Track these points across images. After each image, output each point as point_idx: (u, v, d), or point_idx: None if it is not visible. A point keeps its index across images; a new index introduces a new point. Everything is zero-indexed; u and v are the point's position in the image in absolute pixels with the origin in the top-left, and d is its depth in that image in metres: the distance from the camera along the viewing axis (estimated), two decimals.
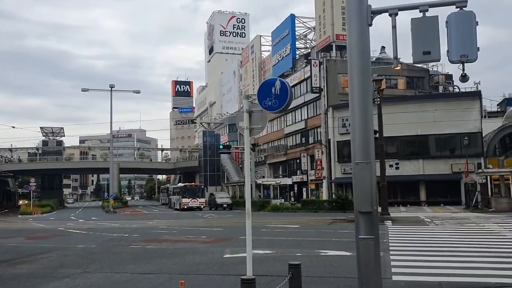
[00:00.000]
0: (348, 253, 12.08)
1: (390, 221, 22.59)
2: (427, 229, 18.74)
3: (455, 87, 49.87)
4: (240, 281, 5.53)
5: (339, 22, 47.42)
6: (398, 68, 40.37)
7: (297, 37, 58.04)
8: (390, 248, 12.73)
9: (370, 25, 6.36)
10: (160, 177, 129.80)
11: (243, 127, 6.59)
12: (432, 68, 51.40)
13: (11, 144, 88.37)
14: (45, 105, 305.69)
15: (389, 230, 17.73)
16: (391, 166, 35.29)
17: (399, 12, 6.35)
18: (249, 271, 6.14)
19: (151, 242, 16.70)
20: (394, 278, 8.77)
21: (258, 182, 52.84)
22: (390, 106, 36.22)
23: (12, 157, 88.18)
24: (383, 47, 50.05)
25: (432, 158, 40.20)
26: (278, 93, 6.32)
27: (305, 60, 51.21)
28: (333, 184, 43.33)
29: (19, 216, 46.22)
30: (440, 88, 50.28)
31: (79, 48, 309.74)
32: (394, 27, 6.38)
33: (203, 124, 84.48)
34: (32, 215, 46.02)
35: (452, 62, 6.20)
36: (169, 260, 11.87)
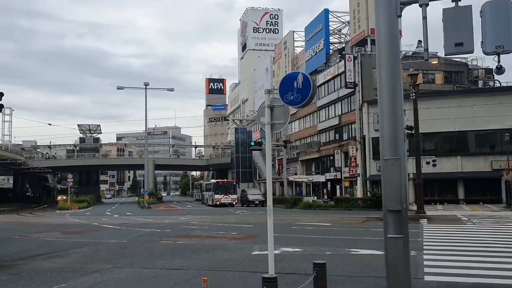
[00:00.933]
0: (380, 252, 11.77)
1: (425, 220, 22.01)
2: (463, 228, 18.13)
3: (496, 81, 48.11)
4: (262, 280, 5.41)
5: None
6: (435, 62, 39.45)
7: (331, 32, 57.30)
8: (424, 247, 12.38)
9: (399, 16, 6.12)
10: (194, 173, 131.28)
11: (264, 123, 6.43)
12: (472, 63, 49.76)
13: (50, 141, 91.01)
14: (83, 103, 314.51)
15: (424, 229, 17.28)
16: (427, 163, 34.27)
17: (430, 3, 6.06)
18: (271, 270, 6.01)
19: (182, 237, 16.83)
20: (426, 278, 8.51)
21: (290, 179, 52.59)
22: (427, 102, 35.29)
23: (54, 153, 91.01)
24: (419, 41, 48.70)
25: (471, 155, 38.95)
26: (300, 87, 6.11)
27: (339, 55, 50.47)
28: (367, 181, 42.59)
29: (57, 211, 47.66)
30: (480, 83, 48.60)
31: (116, 47, 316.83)
32: (424, 18, 6.11)
33: (235, 121, 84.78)
34: (69, 210, 47.36)
35: (486, 53, 5.89)
36: (198, 256, 11.90)
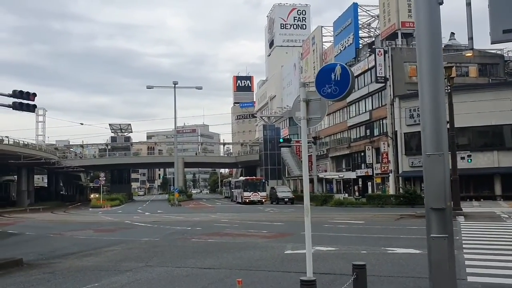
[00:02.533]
0: (417, 251, 11.40)
1: (462, 217, 21.31)
2: (504, 225, 17.43)
3: None
4: (300, 282, 5.15)
5: (405, 8, 45.46)
6: (469, 54, 38.21)
7: (360, 26, 56.40)
8: (464, 246, 11.88)
9: (441, 3, 5.75)
10: (222, 170, 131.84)
11: (299, 118, 6.12)
12: (508, 54, 48.08)
13: (82, 141, 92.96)
14: (114, 102, 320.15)
15: (461, 227, 16.67)
16: (462, 158, 33.33)
17: None
18: (309, 272, 5.74)
19: (212, 235, 16.73)
20: (470, 279, 8.11)
21: (320, 176, 52.03)
22: (461, 95, 34.25)
23: (86, 152, 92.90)
24: (452, 33, 47.41)
25: (508, 150, 37.65)
26: (339, 79, 5.77)
27: (369, 49, 49.61)
28: (400, 178, 41.74)
29: (90, 209, 48.51)
30: None
31: (146, 47, 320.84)
32: (468, 4, 5.72)
33: (263, 118, 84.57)
34: (101, 208, 48.12)
35: None
36: (230, 254, 11.73)
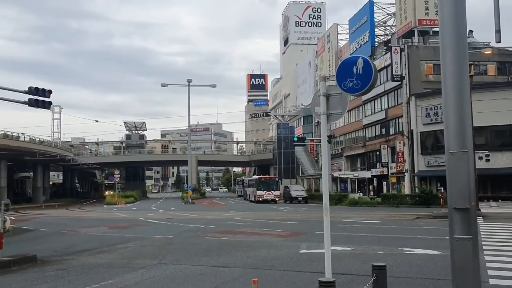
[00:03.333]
0: (436, 252, 11.14)
1: (481, 218, 20.87)
2: None
3: None
4: (318, 284, 4.96)
5: (422, 6, 44.87)
6: (488, 52, 37.57)
7: (376, 23, 55.82)
8: (484, 247, 11.57)
9: None
10: (236, 169, 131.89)
11: (319, 113, 5.90)
12: None
13: (98, 138, 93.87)
14: (129, 100, 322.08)
15: (480, 228, 16.29)
16: (480, 158, 32.76)
17: None
18: (328, 273, 5.55)
19: (226, 233, 16.61)
20: (492, 281, 7.86)
21: (334, 175, 51.67)
22: (479, 94, 33.64)
23: (101, 150, 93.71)
24: (470, 31, 46.53)
25: None
26: (361, 72, 5.53)
27: (385, 47, 49.05)
28: (416, 177, 41.20)
29: (105, 206, 48.83)
30: None
31: (161, 45, 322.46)
32: None
33: (277, 116, 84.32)
34: (116, 205, 48.41)
35: None
36: (244, 253, 11.60)
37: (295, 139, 53.67)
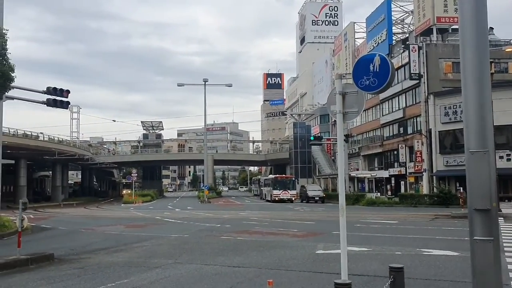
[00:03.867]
0: (455, 253, 10.93)
1: (501, 218, 20.48)
2: None
3: None
4: (334, 285, 4.88)
5: (440, 3, 44.22)
6: (510, 49, 36.81)
7: (394, 21, 55.24)
8: (505, 249, 11.29)
9: None
10: (251, 168, 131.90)
11: (335, 111, 5.79)
12: None
13: (115, 138, 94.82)
14: (147, 100, 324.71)
15: (501, 228, 15.94)
16: (501, 157, 32.16)
17: None
18: (344, 274, 5.45)
19: (241, 233, 16.56)
20: None
21: (352, 174, 51.27)
22: (500, 92, 33.05)
23: (119, 149, 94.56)
24: (491, 28, 45.76)
25: None
26: (378, 70, 5.40)
27: (403, 46, 48.51)
28: (434, 177, 40.66)
29: (122, 205, 49.25)
30: None
31: (178, 45, 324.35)
32: None
33: (293, 115, 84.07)
34: (133, 204, 48.81)
35: None
36: (259, 253, 11.53)
37: (312, 138, 53.39)
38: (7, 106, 18.94)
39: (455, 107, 37.63)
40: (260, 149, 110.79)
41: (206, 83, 50.15)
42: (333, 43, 77.96)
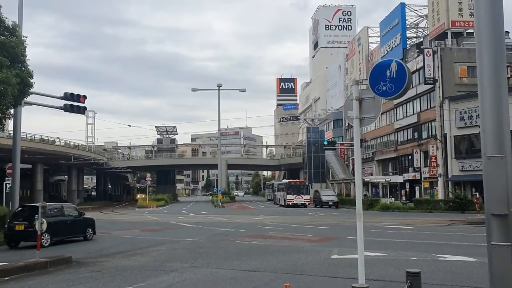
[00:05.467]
0: (472, 259, 10.84)
1: None
2: None
3: None
4: None
5: (455, 7, 43.92)
6: None
7: (408, 26, 54.97)
8: None
9: None
10: (265, 173, 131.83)
11: (352, 117, 5.84)
12: None
13: (130, 142, 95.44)
14: (161, 105, 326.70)
15: None
16: None
17: None
18: (361, 279, 5.48)
19: (256, 238, 16.61)
20: None
21: (365, 179, 50.98)
22: None
23: (133, 154, 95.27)
24: (507, 32, 45.35)
25: None
26: (394, 76, 5.44)
27: (417, 50, 48.21)
28: (449, 182, 40.26)
29: (136, 209, 49.58)
30: None
31: (193, 51, 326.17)
32: None
33: (307, 120, 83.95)
34: (147, 208, 49.11)
35: None
36: (274, 257, 11.56)
37: (325, 143, 53.26)
38: (24, 111, 19.28)
39: (470, 111, 37.28)
40: (274, 153, 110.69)
41: (220, 88, 50.44)
42: (346, 47, 77.82)
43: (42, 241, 13.77)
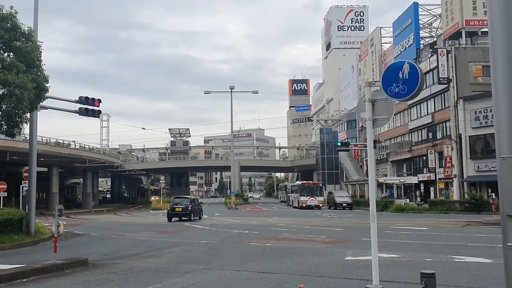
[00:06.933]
0: (488, 260, 10.73)
1: None
2: None
3: None
4: None
5: (469, 6, 43.50)
6: None
7: (421, 25, 54.58)
8: None
9: None
10: (278, 174, 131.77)
11: (365, 118, 5.85)
12: None
13: (144, 145, 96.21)
14: (174, 108, 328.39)
15: None
16: None
17: None
18: (375, 280, 5.47)
19: (270, 239, 16.62)
20: None
21: (380, 180, 50.70)
22: None
23: (147, 156, 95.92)
24: None
25: None
26: (407, 77, 5.44)
27: (431, 50, 47.84)
28: (465, 183, 39.85)
29: (151, 211, 49.93)
30: None
31: (205, 53, 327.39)
32: None
33: (320, 121, 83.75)
34: (162, 210, 49.33)
35: None
36: (288, 259, 11.57)
37: (339, 144, 53.04)
38: (39, 115, 19.54)
39: (486, 111, 36.87)
40: (287, 155, 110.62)
41: (233, 90, 50.57)
42: (359, 48, 77.52)
43: (190, 217, 29.27)
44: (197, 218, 30.41)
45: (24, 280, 9.35)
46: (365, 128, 6.43)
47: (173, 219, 29.65)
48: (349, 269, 10.04)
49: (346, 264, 10.70)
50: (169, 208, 30.38)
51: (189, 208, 29.55)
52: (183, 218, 29.49)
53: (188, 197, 33.14)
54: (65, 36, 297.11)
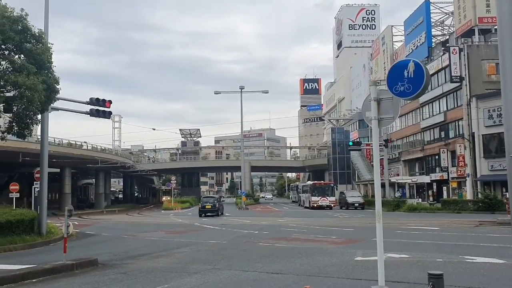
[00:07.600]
0: (501, 261, 10.59)
1: None
2: None
3: None
4: None
5: (482, 3, 43.01)
6: None
7: (433, 23, 54.10)
8: None
9: None
10: (289, 174, 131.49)
11: (370, 118, 5.78)
12: None
13: (155, 145, 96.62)
14: (186, 108, 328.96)
15: None
16: None
17: None
18: (381, 280, 5.41)
19: (280, 240, 16.57)
20: None
21: (392, 180, 50.34)
22: None
23: (158, 157, 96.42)
24: None
25: None
26: (412, 76, 5.36)
27: (443, 48, 47.40)
28: (478, 182, 39.39)
29: (162, 211, 50.13)
30: None
31: (217, 54, 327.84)
32: None
33: (331, 121, 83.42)
34: (173, 210, 49.64)
35: None
36: (298, 260, 11.51)
37: (351, 143, 52.80)
38: (51, 116, 19.70)
39: (499, 109, 36.40)
40: (298, 155, 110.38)
41: (242, 90, 50.58)
42: (370, 47, 77.10)
43: (217, 213, 35.64)
44: (221, 214, 36.85)
45: (34, 280, 9.43)
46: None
47: (203, 215, 35.28)
48: (358, 270, 9.96)
49: (356, 265, 10.62)
50: (200, 206, 36.96)
51: (217, 206, 36.00)
52: (210, 214, 35.10)
53: (214, 197, 42.59)
54: (78, 38, 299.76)
